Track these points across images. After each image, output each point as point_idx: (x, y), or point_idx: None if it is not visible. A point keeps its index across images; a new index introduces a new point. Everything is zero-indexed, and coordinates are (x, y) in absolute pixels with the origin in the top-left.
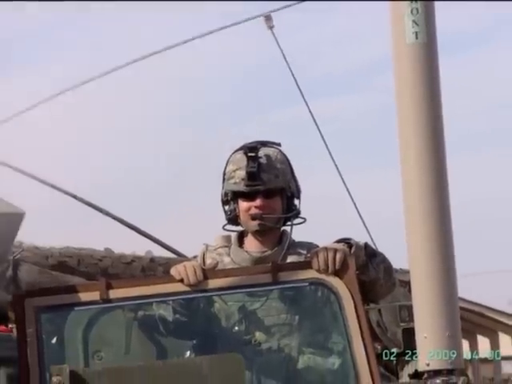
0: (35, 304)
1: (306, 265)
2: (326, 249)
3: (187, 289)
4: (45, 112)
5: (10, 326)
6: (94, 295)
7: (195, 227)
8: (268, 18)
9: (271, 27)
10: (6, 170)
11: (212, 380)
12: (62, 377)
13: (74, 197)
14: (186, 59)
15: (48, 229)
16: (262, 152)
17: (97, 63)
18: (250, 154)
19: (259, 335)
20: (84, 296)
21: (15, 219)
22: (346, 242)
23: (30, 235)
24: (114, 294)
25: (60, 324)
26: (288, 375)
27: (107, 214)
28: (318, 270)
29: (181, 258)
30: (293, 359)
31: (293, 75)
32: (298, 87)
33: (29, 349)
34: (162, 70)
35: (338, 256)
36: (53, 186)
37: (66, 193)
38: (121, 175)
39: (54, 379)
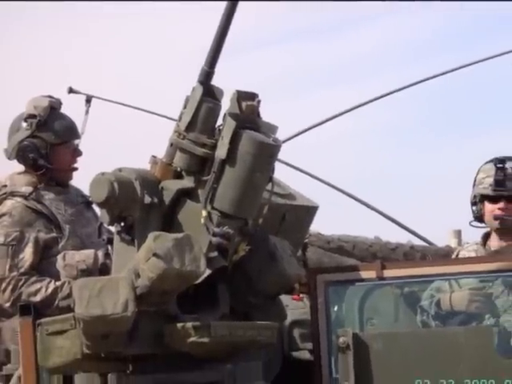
0: (325, 279)
1: None
2: None
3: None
4: None
5: (300, 295)
6: (371, 273)
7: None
8: None
9: None
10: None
11: (466, 348)
12: (347, 338)
13: (350, 195)
14: None
15: (328, 220)
16: (508, 164)
17: None
18: (498, 165)
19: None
20: (362, 274)
21: (312, 211)
22: None
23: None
24: (386, 273)
25: (342, 295)
26: None
27: (373, 208)
28: None
29: (434, 246)
30: None
31: None
32: None
33: (319, 314)
34: None
35: None
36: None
37: (342, 191)
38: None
39: (341, 339)
